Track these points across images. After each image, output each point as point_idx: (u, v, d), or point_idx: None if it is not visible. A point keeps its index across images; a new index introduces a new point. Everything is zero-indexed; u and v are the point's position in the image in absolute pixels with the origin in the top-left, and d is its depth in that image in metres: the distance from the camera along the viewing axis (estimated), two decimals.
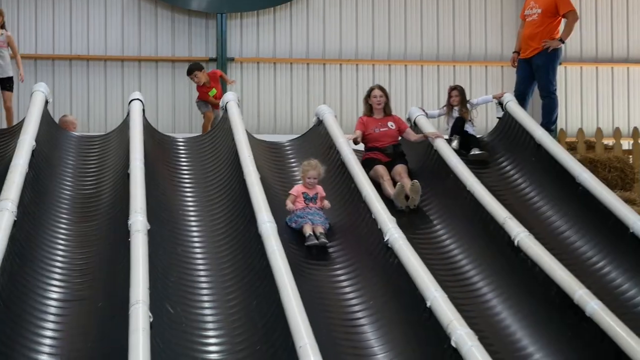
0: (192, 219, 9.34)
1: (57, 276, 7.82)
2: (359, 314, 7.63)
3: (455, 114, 11.80)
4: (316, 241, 8.80)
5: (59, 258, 8.12)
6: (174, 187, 9.96)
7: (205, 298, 7.78)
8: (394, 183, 10.18)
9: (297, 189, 9.37)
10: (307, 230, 8.93)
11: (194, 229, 9.13)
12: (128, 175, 9.01)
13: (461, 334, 6.52)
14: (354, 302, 7.87)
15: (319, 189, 9.44)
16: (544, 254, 8.01)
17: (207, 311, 7.57)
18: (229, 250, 8.62)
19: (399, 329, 7.40)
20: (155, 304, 6.83)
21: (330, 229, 9.21)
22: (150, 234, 7.85)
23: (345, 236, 9.18)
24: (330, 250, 8.81)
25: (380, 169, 10.46)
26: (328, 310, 7.64)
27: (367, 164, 10.55)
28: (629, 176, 12.60)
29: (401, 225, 8.75)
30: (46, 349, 6.74)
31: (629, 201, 9.83)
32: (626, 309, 7.67)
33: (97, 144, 11.20)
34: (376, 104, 11.02)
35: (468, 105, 11.92)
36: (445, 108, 12.18)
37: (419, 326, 7.18)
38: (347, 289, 8.10)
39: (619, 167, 13.05)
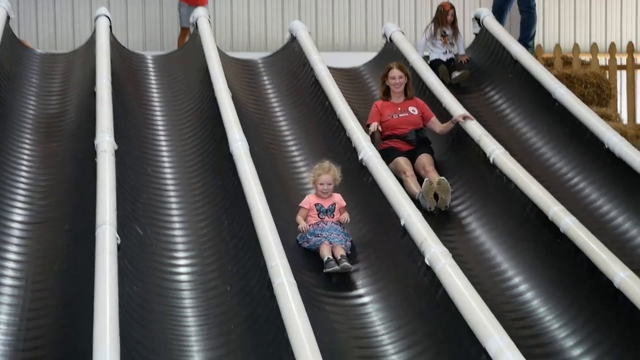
0: (162, 138, 9.25)
1: (20, 198, 7.76)
2: None
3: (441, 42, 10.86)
4: (337, 267, 6.93)
5: (23, 179, 8.04)
6: (143, 106, 9.85)
7: (176, 219, 7.74)
8: (419, 178, 8.51)
9: (309, 200, 7.49)
10: (325, 253, 7.09)
11: (164, 149, 9.05)
12: (94, 94, 8.85)
13: (435, 252, 6.50)
14: None
15: (337, 197, 7.55)
16: (519, 171, 7.99)
17: (177, 232, 7.55)
18: (200, 170, 8.56)
19: (372, 248, 7.40)
20: (124, 226, 6.79)
21: (352, 248, 7.40)
22: (118, 154, 7.76)
23: (318, 154, 8.99)
24: (303, 169, 8.67)
25: (402, 161, 8.64)
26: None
27: (385, 155, 8.58)
28: (605, 92, 12.41)
29: None
30: (9, 272, 6.70)
31: (605, 117, 9.77)
32: (600, 224, 7.73)
33: (61, 62, 11.03)
34: (395, 86, 9.07)
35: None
36: (431, 29, 11.01)
37: (394, 245, 7.14)
38: None
39: (595, 83, 12.82)
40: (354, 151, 8.65)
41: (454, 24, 10.78)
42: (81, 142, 8.43)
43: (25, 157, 8.41)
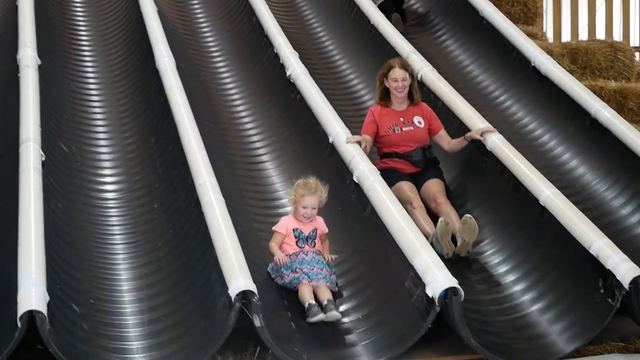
0: (86, 53, 9.11)
1: None
2: (260, 151, 7.60)
3: None
4: (322, 315, 5.49)
5: None
6: (66, 20, 9.58)
7: (102, 136, 7.69)
8: (429, 211, 6.56)
9: (286, 223, 5.83)
10: (306, 297, 5.59)
11: (89, 64, 8.91)
12: (16, 7, 8.64)
13: (363, 170, 6.52)
14: (255, 138, 7.82)
15: (319, 222, 5.96)
16: (446, 88, 8.01)
17: (103, 149, 7.52)
18: (126, 86, 8.48)
19: (301, 164, 7.39)
20: (48, 142, 6.73)
21: (337, 285, 5.88)
22: (41, 69, 7.62)
23: (246, 71, 8.93)
24: (231, 87, 8.58)
25: (406, 188, 6.56)
26: (228, 147, 7.56)
27: (385, 177, 6.45)
28: (531, 10, 11.98)
29: None
30: None
31: (532, 35, 9.77)
32: (526, 142, 7.79)
33: None
34: (397, 90, 6.80)
35: None
36: None
37: (321, 162, 7.17)
38: (248, 125, 8.04)
39: (522, 1, 12.19)
40: (281, 67, 8.51)
41: None
42: (3, 57, 8.23)
43: None
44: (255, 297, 5.06)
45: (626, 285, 5.43)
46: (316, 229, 5.83)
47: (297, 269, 5.61)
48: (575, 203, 6.40)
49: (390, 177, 6.47)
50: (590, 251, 5.77)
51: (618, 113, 7.55)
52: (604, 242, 5.78)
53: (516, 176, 6.72)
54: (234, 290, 5.06)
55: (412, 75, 6.93)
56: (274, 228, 5.87)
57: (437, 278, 5.28)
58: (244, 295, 5.05)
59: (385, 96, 6.90)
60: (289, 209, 6.71)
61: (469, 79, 8.86)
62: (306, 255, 5.69)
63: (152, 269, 6.03)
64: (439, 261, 5.48)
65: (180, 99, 7.35)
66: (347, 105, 8.32)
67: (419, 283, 5.39)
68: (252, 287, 5.08)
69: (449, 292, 5.20)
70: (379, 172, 6.45)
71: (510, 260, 6.36)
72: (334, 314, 5.45)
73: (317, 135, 7.42)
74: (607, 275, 5.59)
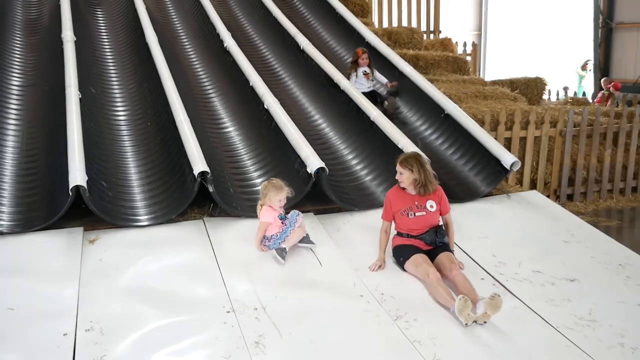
0: (104, 34, 8.66)
1: (16, 70, 7.29)
2: (211, 92, 7.48)
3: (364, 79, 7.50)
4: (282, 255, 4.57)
5: (17, 60, 7.52)
6: (89, 13, 9.08)
7: (114, 83, 7.49)
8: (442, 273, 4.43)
9: (271, 214, 4.73)
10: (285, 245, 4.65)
11: (105, 41, 8.45)
12: (59, 4, 8.31)
13: (270, 101, 6.54)
14: (207, 85, 7.68)
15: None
16: (316, 53, 7.92)
17: (116, 90, 7.33)
18: (128, 53, 8.17)
19: (235, 100, 7.27)
20: (82, 87, 6.57)
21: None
22: (76, 44, 7.42)
23: (200, 44, 8.64)
24: (192, 54, 8.39)
25: (421, 261, 4.47)
26: (191, 88, 7.42)
27: (401, 253, 4.64)
28: (364, 8, 11.24)
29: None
30: (12, 116, 6.43)
31: (365, 23, 9.45)
32: None
33: None
34: (400, 181, 4.69)
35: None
36: (355, 70, 7.57)
37: (246, 98, 7.11)
38: (203, 78, 7.86)
39: (359, 3, 11.07)
40: (221, 41, 8.19)
41: (370, 65, 7.55)
42: (52, 35, 7.92)
43: (17, 45, 7.83)
44: (209, 175, 5.11)
45: None
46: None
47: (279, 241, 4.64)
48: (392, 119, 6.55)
49: (406, 251, 4.61)
50: (399, 146, 5.94)
51: (414, 68, 7.67)
52: (406, 141, 5.95)
53: (356, 102, 6.81)
54: (196, 170, 5.11)
55: (423, 167, 4.59)
56: (262, 220, 4.70)
57: (313, 162, 5.38)
58: (203, 174, 5.10)
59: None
60: (228, 123, 6.79)
61: (329, 49, 8.70)
62: (284, 226, 4.71)
63: (148, 160, 6.00)
64: (314, 152, 5.54)
65: (161, 60, 7.20)
66: (262, 67, 8.01)
67: (303, 165, 5.49)
68: (207, 169, 5.13)
69: (320, 170, 5.33)
70: (397, 246, 4.70)
71: (354, 152, 6.44)
72: (309, 244, 4.75)
73: (243, 82, 7.26)
74: None
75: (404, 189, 4.69)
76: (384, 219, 4.77)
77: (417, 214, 4.62)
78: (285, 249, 4.60)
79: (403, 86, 7.47)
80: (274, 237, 4.73)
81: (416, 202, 4.64)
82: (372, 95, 7.31)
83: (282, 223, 4.76)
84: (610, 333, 3.96)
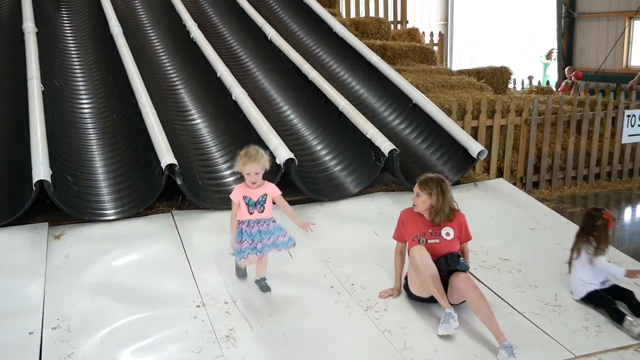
0: (67, 25, 8.44)
1: None
2: (178, 84, 7.37)
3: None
4: (245, 278, 4.16)
5: None
6: (52, 4, 8.85)
7: (78, 75, 7.31)
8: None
9: (237, 192, 4.00)
10: (246, 264, 4.05)
11: (68, 32, 8.26)
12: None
13: (238, 92, 6.50)
14: (172, 75, 7.57)
15: (269, 187, 4.05)
16: (283, 44, 7.83)
17: (80, 83, 7.15)
18: (92, 45, 7.98)
19: (202, 92, 7.17)
20: (45, 79, 6.42)
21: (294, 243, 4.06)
22: (38, 35, 7.26)
23: (166, 34, 8.49)
24: (157, 44, 8.27)
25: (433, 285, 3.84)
26: (157, 79, 7.30)
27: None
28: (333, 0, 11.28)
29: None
30: None
31: (333, 14, 9.37)
32: (330, 75, 7.60)
33: None
34: (423, 207, 4.06)
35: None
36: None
37: (214, 90, 7.03)
38: (168, 66, 7.73)
39: None
40: (187, 32, 8.05)
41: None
42: (13, 28, 7.70)
43: None
44: (177, 167, 5.05)
45: (386, 154, 5.67)
46: (266, 194, 3.95)
47: (246, 239, 3.90)
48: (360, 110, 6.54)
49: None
50: (367, 136, 5.95)
51: (381, 59, 7.66)
52: (374, 131, 5.97)
53: (325, 93, 6.75)
54: (164, 163, 5.04)
55: (434, 197, 3.98)
56: (230, 196, 3.99)
57: (282, 153, 5.37)
58: (170, 166, 5.03)
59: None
60: (196, 115, 6.69)
61: (297, 40, 8.57)
62: (258, 223, 3.92)
63: (114, 154, 5.91)
64: (282, 143, 5.52)
65: (126, 52, 7.05)
66: (227, 56, 7.91)
67: (272, 156, 5.44)
68: (175, 161, 5.07)
69: (289, 161, 5.32)
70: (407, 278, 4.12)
71: (323, 142, 6.42)
72: (266, 292, 4.03)
73: (209, 74, 7.16)
74: (377, 149, 5.76)
75: (420, 213, 4.09)
76: (395, 239, 4.24)
77: (429, 241, 4.01)
78: (245, 273, 4.09)
79: (372, 77, 7.48)
80: (239, 232, 3.95)
81: (430, 229, 4.03)
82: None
83: (249, 212, 3.92)
84: (575, 317, 4.07)
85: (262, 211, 3.94)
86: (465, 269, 4.01)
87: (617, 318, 3.98)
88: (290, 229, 4.09)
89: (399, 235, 4.22)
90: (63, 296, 3.97)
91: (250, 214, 3.94)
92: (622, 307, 4.08)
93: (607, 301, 4.12)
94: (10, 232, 4.61)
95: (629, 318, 3.92)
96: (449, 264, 3.96)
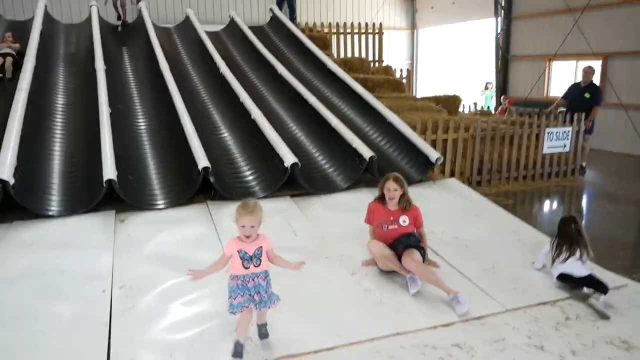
0: (127, 65, 8.42)
1: (60, 92, 7.05)
2: (210, 106, 7.30)
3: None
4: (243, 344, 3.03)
5: (61, 83, 7.30)
6: (113, 44, 8.85)
7: (135, 98, 7.21)
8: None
9: (231, 246, 3.04)
10: (241, 331, 3.01)
11: (129, 69, 8.27)
12: (92, 37, 8.07)
13: (256, 113, 6.43)
14: (207, 101, 7.49)
15: (263, 239, 3.08)
16: (290, 77, 7.73)
17: (138, 106, 7.06)
18: (147, 79, 7.93)
19: (229, 113, 7.06)
20: (113, 104, 6.40)
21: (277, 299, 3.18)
22: (107, 72, 7.21)
23: (196, 67, 8.43)
24: (192, 74, 8.23)
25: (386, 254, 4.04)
26: (195, 104, 7.21)
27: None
28: (326, 43, 10.83)
29: None
30: (58, 128, 6.20)
31: (327, 54, 9.45)
32: (324, 98, 7.54)
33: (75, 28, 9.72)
34: (389, 197, 4.17)
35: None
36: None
37: (238, 111, 6.94)
38: (204, 95, 7.65)
39: (322, 38, 10.70)
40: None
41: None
42: (87, 66, 7.71)
43: (60, 73, 7.62)
44: (210, 169, 5.09)
45: (367, 159, 5.70)
46: (261, 247, 3.03)
47: (243, 293, 3.01)
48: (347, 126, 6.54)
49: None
50: (353, 145, 5.97)
51: (364, 88, 7.67)
52: (359, 142, 5.99)
53: (322, 115, 6.73)
54: (200, 166, 5.08)
55: (403, 188, 4.14)
56: (223, 251, 3.07)
57: (289, 158, 5.39)
58: (205, 168, 5.07)
59: (382, 198, 4.21)
60: (224, 131, 6.56)
61: (300, 74, 8.41)
62: (253, 278, 3.02)
63: (163, 159, 5.87)
64: (289, 150, 5.50)
65: (172, 82, 7.02)
66: (248, 86, 7.79)
67: (281, 160, 5.48)
68: (209, 165, 5.10)
69: (294, 165, 5.35)
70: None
71: (319, 150, 6.38)
72: (263, 340, 3.17)
73: (233, 99, 7.06)
74: (360, 155, 5.79)
75: (384, 204, 4.16)
76: (366, 222, 4.26)
77: (389, 227, 4.12)
78: (242, 346, 3.00)
79: (356, 101, 7.41)
80: (233, 288, 3.00)
81: (391, 217, 4.12)
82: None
83: (244, 267, 2.97)
84: (507, 280, 4.09)
85: (259, 265, 3.02)
86: (415, 243, 4.05)
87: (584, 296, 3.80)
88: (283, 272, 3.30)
89: (369, 220, 4.25)
90: (127, 264, 4.01)
91: (246, 268, 2.99)
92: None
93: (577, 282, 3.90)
94: (87, 218, 4.66)
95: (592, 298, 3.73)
96: (404, 242, 4.03)
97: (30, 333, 3.19)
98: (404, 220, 4.12)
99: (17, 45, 7.59)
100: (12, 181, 4.52)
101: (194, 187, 5.12)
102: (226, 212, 4.91)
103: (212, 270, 3.04)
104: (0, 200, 4.47)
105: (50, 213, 4.68)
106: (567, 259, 3.98)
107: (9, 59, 7.16)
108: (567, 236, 4.03)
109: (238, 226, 2.94)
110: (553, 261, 4.07)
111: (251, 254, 3.01)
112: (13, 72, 7.04)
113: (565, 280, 3.97)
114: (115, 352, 3.06)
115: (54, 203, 4.86)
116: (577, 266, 3.94)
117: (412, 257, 3.88)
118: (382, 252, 4.01)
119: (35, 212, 4.61)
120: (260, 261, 3.03)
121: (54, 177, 5.28)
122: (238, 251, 2.99)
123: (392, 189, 4.10)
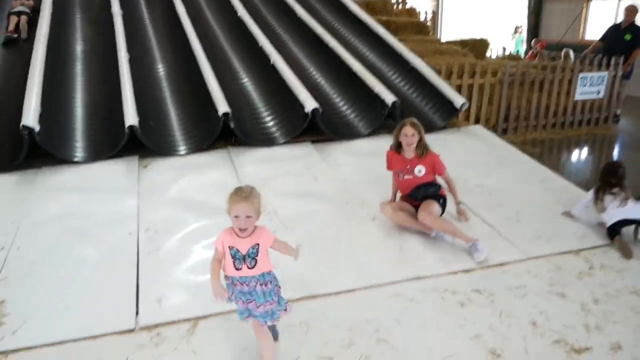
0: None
1: (79, 39, 7.06)
2: (230, 54, 7.19)
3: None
4: None
5: (78, 30, 7.27)
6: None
7: (155, 47, 7.15)
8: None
9: (222, 238, 2.30)
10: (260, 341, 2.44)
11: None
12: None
13: (276, 58, 6.36)
14: (226, 47, 7.37)
15: (261, 234, 2.30)
16: (310, 20, 7.56)
17: (156, 53, 6.98)
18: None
19: (249, 59, 6.95)
20: (129, 49, 6.28)
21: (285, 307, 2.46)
22: (123, 16, 7.13)
23: (214, 12, 8.23)
24: (210, 19, 8.06)
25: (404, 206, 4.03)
26: (215, 52, 7.10)
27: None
28: None
29: None
30: (78, 75, 6.21)
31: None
32: (352, 48, 7.33)
33: None
34: (406, 144, 3.92)
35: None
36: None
37: (257, 56, 6.84)
38: (222, 41, 7.52)
39: None
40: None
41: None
42: (104, 11, 7.60)
43: (77, 20, 7.56)
44: (230, 114, 5.10)
45: (389, 104, 5.63)
46: (257, 245, 2.32)
47: (240, 301, 2.38)
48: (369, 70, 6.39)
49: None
50: (375, 91, 5.89)
51: (386, 31, 7.42)
52: (382, 87, 5.91)
53: (343, 59, 6.59)
54: (221, 111, 5.09)
55: (420, 133, 3.93)
56: (214, 243, 2.41)
57: (310, 103, 5.36)
58: (225, 114, 5.08)
59: (398, 146, 4.00)
60: (244, 77, 6.48)
61: (320, 17, 8.12)
62: (245, 282, 2.33)
63: (183, 106, 5.85)
64: (310, 95, 5.45)
65: (191, 31, 6.94)
66: (267, 30, 7.67)
67: (302, 106, 5.44)
68: (229, 110, 5.11)
69: (315, 110, 5.31)
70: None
71: (340, 95, 6.23)
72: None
73: (252, 44, 6.93)
74: (382, 100, 5.72)
75: (399, 152, 4.01)
76: (388, 169, 4.13)
77: (405, 177, 3.98)
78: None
79: (378, 45, 7.24)
80: (229, 285, 2.40)
81: (408, 166, 3.96)
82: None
83: (235, 267, 2.33)
84: (530, 229, 4.06)
85: (253, 266, 2.33)
86: (434, 193, 3.96)
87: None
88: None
89: (389, 167, 4.14)
90: (151, 208, 4.10)
91: (237, 269, 2.33)
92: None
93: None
94: (111, 163, 4.76)
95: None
96: (421, 192, 3.95)
97: (62, 275, 3.33)
98: (420, 170, 3.95)
99: (31, 2, 7.44)
100: (37, 128, 4.60)
101: (214, 133, 5.15)
102: (247, 158, 4.96)
103: (217, 274, 2.37)
104: (27, 147, 4.56)
105: (75, 159, 4.78)
106: (625, 202, 3.88)
107: (24, 18, 7.00)
108: (619, 180, 3.95)
109: (231, 216, 2.29)
110: (603, 209, 3.96)
111: (244, 253, 2.31)
112: (28, 31, 6.87)
113: (620, 225, 3.85)
114: (144, 292, 3.19)
115: (79, 149, 4.95)
116: (636, 208, 3.86)
117: (427, 211, 3.79)
118: (397, 218, 3.95)
119: (61, 158, 4.72)
120: (256, 262, 2.32)
121: (78, 123, 5.35)
122: (229, 247, 2.33)
123: (409, 134, 3.90)
